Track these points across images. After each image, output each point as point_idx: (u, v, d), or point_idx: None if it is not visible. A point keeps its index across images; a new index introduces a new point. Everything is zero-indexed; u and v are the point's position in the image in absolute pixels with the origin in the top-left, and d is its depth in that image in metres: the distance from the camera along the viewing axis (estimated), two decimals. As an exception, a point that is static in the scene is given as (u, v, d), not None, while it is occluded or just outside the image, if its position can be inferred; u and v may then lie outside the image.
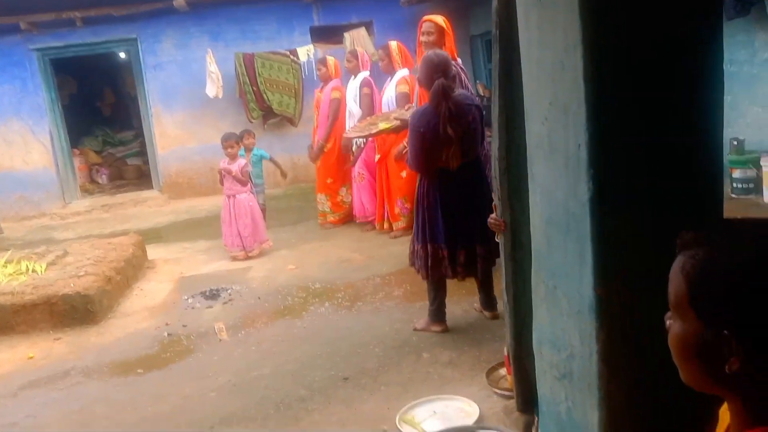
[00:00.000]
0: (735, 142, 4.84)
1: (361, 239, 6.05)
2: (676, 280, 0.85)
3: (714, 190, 1.61)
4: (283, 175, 6.89)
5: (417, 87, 4.80)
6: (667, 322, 0.89)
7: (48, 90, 8.75)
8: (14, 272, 5.00)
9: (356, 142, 6.09)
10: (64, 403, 3.46)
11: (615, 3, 1.47)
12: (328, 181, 6.49)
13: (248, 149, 6.50)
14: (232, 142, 5.89)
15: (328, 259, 5.55)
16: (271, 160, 6.80)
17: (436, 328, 3.79)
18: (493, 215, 2.55)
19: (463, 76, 4.29)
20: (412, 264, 3.85)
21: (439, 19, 4.61)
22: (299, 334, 4.07)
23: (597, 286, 1.51)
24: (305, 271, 5.30)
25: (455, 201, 3.60)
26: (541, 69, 1.67)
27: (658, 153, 1.51)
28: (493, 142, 2.41)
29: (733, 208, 4.24)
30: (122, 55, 10.18)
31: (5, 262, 5.14)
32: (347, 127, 6.16)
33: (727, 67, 4.96)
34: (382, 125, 4.90)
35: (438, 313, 3.80)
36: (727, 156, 4.77)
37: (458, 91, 3.67)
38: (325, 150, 6.44)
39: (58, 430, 3.15)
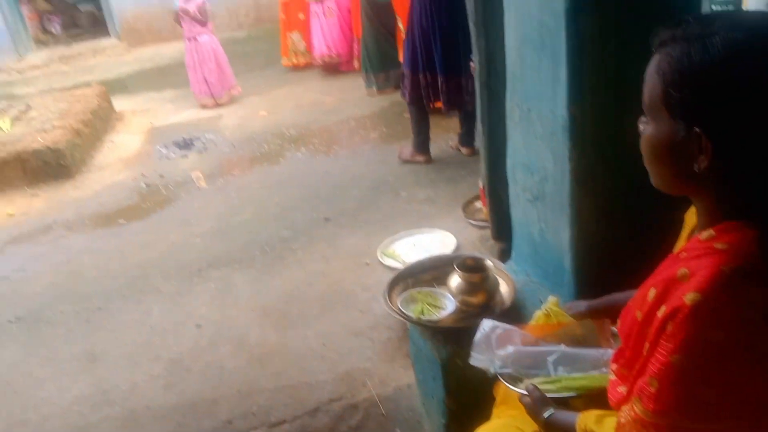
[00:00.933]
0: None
1: (331, 81, 5.89)
2: (651, 81, 0.82)
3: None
4: None
5: None
6: (641, 126, 0.87)
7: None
8: (-22, 132, 4.85)
9: None
10: (50, 256, 3.52)
11: None
12: (300, 16, 6.10)
13: None
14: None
15: (300, 104, 5.43)
16: None
17: (421, 158, 3.84)
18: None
19: None
20: (406, 96, 3.74)
21: None
22: (278, 180, 4.08)
23: (571, 105, 1.48)
24: (278, 116, 5.20)
25: (449, 27, 3.43)
26: None
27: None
28: (474, 57, 2.25)
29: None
30: None
31: (-33, 119, 4.96)
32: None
33: None
34: None
35: (424, 144, 3.84)
36: None
37: None
38: None
39: (49, 281, 3.23)
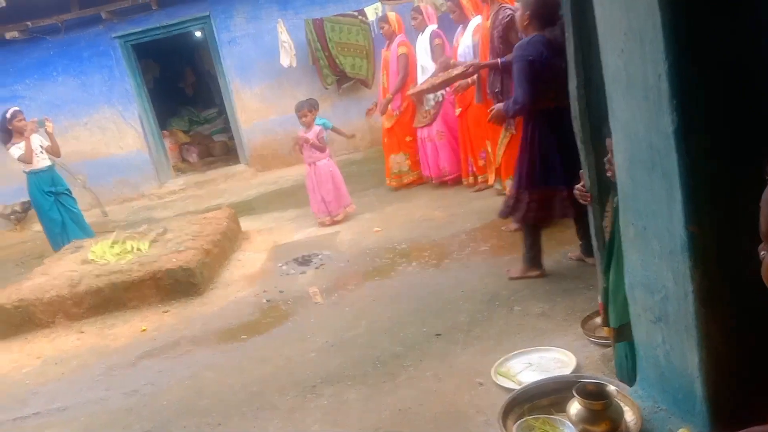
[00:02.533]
0: None
1: (440, 197, 6.02)
2: (766, 208, 0.79)
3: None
4: (350, 137, 6.96)
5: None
6: (761, 254, 0.83)
7: (133, 75, 9.16)
8: (121, 251, 5.35)
9: (435, 97, 6.01)
10: (177, 371, 3.71)
11: None
12: (407, 139, 6.45)
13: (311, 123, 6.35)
14: (305, 111, 5.95)
15: (411, 219, 5.58)
16: (333, 129, 6.75)
17: (534, 273, 3.76)
18: (579, 185, 2.42)
19: None
20: (511, 214, 3.74)
21: None
22: (390, 294, 4.13)
23: (689, 223, 1.43)
24: (390, 232, 5.35)
25: (567, 140, 3.45)
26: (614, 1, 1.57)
27: (741, 76, 1.39)
28: (570, 81, 2.30)
29: None
30: (198, 33, 10.48)
31: (112, 243, 5.50)
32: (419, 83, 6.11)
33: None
34: (438, 81, 4.84)
35: (535, 260, 3.77)
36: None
37: None
38: (402, 110, 6.41)
39: (175, 395, 3.39)
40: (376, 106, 6.67)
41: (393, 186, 6.64)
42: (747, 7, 1.41)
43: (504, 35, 4.19)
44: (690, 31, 1.41)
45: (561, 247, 4.05)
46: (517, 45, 3.52)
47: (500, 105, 3.75)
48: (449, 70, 4.95)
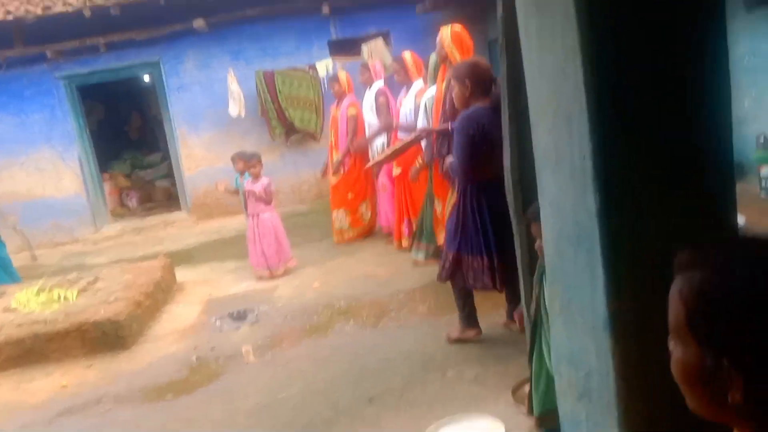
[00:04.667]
0: (762, 139, 4.61)
1: (383, 253, 6.02)
2: (674, 304, 0.80)
3: (726, 193, 1.54)
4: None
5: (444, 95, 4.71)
6: (670, 346, 0.83)
7: (76, 117, 8.94)
8: (47, 300, 5.10)
9: (380, 148, 6.08)
10: (97, 431, 3.49)
11: (611, 7, 1.42)
12: (349, 196, 6.49)
13: (242, 173, 6.13)
14: (255, 161, 5.91)
15: (352, 276, 5.53)
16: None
17: (470, 333, 3.76)
18: (539, 242, 2.45)
19: None
20: (443, 275, 3.76)
21: (444, 35, 4.51)
22: (325, 353, 4.04)
23: (610, 301, 1.45)
24: (330, 288, 5.28)
25: (500, 212, 3.49)
26: (543, 78, 1.62)
27: (665, 158, 1.45)
28: (504, 153, 2.36)
29: (762, 208, 4.06)
30: (146, 78, 10.37)
31: (38, 291, 5.24)
32: (367, 139, 6.23)
33: (751, 59, 4.78)
34: (391, 150, 4.95)
35: (470, 318, 3.77)
36: (754, 154, 4.57)
37: None
38: (347, 167, 6.46)
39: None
40: (327, 166, 6.72)
41: (336, 241, 6.62)
42: (672, 92, 1.47)
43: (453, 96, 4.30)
44: (615, 115, 1.46)
45: (496, 309, 4.07)
46: (460, 116, 3.60)
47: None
48: (406, 139, 5.04)
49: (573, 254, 1.58)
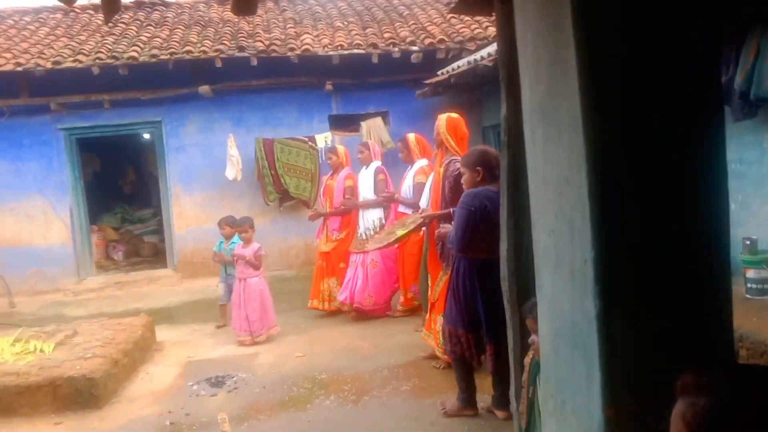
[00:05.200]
0: (748, 242, 4.77)
1: (367, 326, 5.99)
2: (676, 427, 0.83)
3: (724, 298, 1.60)
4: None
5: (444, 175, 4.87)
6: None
7: (72, 168, 9.01)
8: (22, 351, 4.97)
9: (374, 226, 6.14)
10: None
11: (617, 120, 1.52)
12: (341, 265, 6.51)
13: (228, 238, 6.33)
14: (246, 227, 5.96)
15: (335, 347, 5.48)
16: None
17: (469, 412, 3.82)
18: (533, 337, 2.49)
19: None
20: (447, 351, 3.84)
21: (441, 122, 4.70)
22: (303, 429, 3.96)
23: (606, 406, 1.47)
24: (312, 359, 5.22)
25: (492, 292, 3.51)
26: (547, 182, 1.70)
27: (666, 265, 1.51)
28: (501, 243, 2.43)
29: (747, 309, 4.14)
30: (146, 136, 10.53)
31: (14, 341, 5.12)
32: (361, 216, 6.31)
33: (737, 166, 5.00)
34: (400, 232, 5.02)
35: (470, 400, 3.83)
36: (740, 256, 4.71)
37: None
38: (341, 236, 6.54)
39: None
40: (316, 212, 6.85)
41: (315, 308, 6.57)
42: (675, 200, 1.54)
43: (454, 186, 4.41)
44: (618, 225, 1.52)
45: (480, 392, 4.03)
46: (465, 193, 3.75)
47: (448, 230, 3.91)
48: (405, 223, 5.14)
49: (569, 355, 1.61)
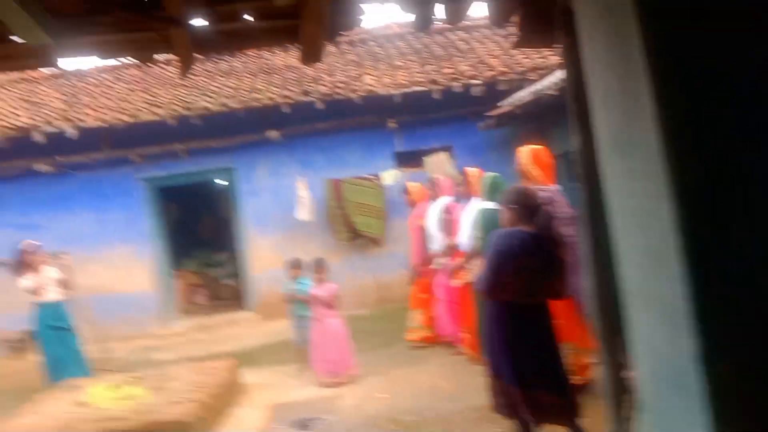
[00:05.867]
0: None
1: (448, 364, 5.94)
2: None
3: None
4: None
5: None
6: None
7: (153, 216, 9.50)
8: (118, 397, 5.22)
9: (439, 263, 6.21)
10: None
11: (696, 151, 1.49)
12: (422, 296, 6.63)
13: (293, 279, 6.46)
14: (320, 268, 6.10)
15: (418, 387, 5.45)
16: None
17: None
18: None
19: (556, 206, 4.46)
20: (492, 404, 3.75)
21: (523, 154, 4.77)
22: (392, 471, 3.96)
23: (715, 450, 1.44)
24: (395, 400, 5.22)
25: (519, 338, 3.49)
26: (629, 216, 1.70)
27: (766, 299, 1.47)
28: (585, 280, 2.42)
29: None
30: (220, 182, 10.98)
31: (110, 386, 5.38)
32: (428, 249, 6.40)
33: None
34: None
35: None
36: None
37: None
38: (421, 269, 6.67)
39: None
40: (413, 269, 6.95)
41: (409, 339, 6.71)
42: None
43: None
44: (710, 256, 1.47)
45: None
46: (495, 233, 3.72)
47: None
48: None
49: (672, 396, 1.59)
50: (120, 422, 4.70)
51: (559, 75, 6.61)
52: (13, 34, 2.45)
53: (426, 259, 6.57)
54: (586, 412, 3.54)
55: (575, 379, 4.62)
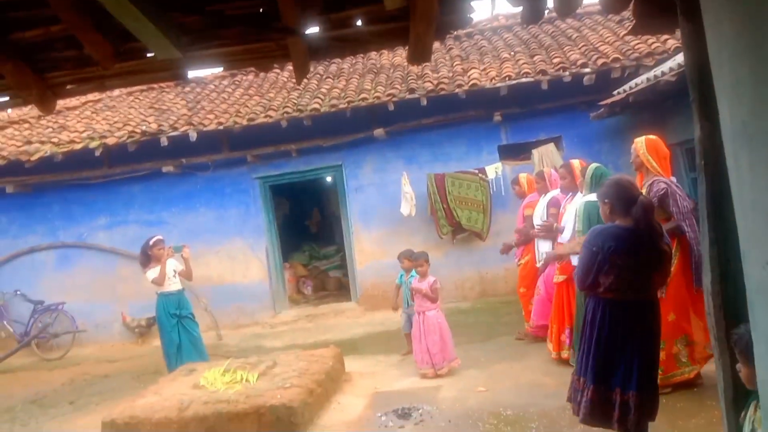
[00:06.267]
0: None
1: (551, 361, 5.78)
2: None
3: None
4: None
5: None
6: None
7: (266, 212, 9.94)
8: (231, 381, 5.51)
9: (543, 255, 6.04)
10: None
11: None
12: (521, 290, 6.51)
13: (408, 271, 6.50)
14: (422, 261, 6.12)
15: (518, 382, 5.37)
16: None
17: None
18: (739, 365, 2.15)
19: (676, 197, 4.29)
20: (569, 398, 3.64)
21: (639, 144, 4.57)
22: (492, 465, 3.92)
23: None
24: (495, 394, 5.16)
25: (615, 334, 3.34)
26: (757, 212, 1.57)
27: None
28: (704, 275, 2.25)
29: None
30: (328, 179, 11.32)
31: (224, 371, 5.70)
32: (536, 247, 6.25)
33: None
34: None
35: None
36: None
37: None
38: (521, 262, 6.57)
39: None
40: (505, 245, 6.87)
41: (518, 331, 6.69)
42: None
43: (659, 207, 4.26)
44: None
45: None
46: (590, 230, 3.59)
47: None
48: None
49: (796, 401, 1.45)
50: (231, 405, 4.96)
51: (677, 60, 6.21)
52: (149, 51, 2.66)
53: (526, 249, 6.45)
54: (694, 413, 3.34)
55: (681, 375, 4.39)
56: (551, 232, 5.80)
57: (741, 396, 2.06)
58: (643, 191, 4.49)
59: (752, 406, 1.95)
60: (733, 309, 2.18)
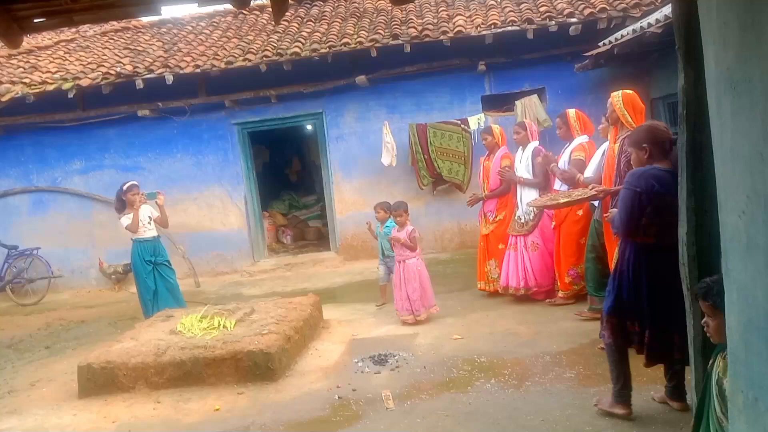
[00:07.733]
0: None
1: (526, 311, 5.88)
2: None
3: None
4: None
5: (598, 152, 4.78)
6: None
7: (245, 159, 9.79)
8: (208, 327, 5.52)
9: (533, 212, 6.04)
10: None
11: None
12: (500, 246, 6.45)
13: (383, 222, 6.58)
14: (401, 211, 6.11)
15: (493, 331, 5.45)
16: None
17: (620, 410, 3.53)
18: (707, 319, 2.21)
19: None
20: (603, 336, 3.62)
21: (616, 99, 4.52)
22: (464, 410, 3.99)
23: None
24: (471, 342, 5.24)
25: (660, 280, 3.30)
26: (736, 159, 1.54)
27: None
28: (680, 226, 2.25)
29: None
30: (309, 127, 11.14)
31: (201, 317, 5.70)
32: (518, 197, 6.19)
33: None
34: (564, 200, 4.94)
35: (622, 394, 3.54)
36: None
37: None
38: (499, 218, 6.49)
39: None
40: (474, 196, 6.78)
41: (483, 289, 6.60)
42: None
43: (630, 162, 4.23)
44: None
45: (653, 383, 3.80)
46: (630, 172, 3.50)
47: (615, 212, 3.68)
48: (578, 192, 5.02)
49: (764, 348, 1.46)
50: (208, 350, 4.98)
51: (664, 12, 6.11)
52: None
53: (509, 204, 6.42)
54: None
55: None
56: (572, 180, 5.70)
57: (709, 345, 2.09)
58: (615, 146, 4.48)
59: (719, 357, 1.98)
60: (707, 260, 2.18)
